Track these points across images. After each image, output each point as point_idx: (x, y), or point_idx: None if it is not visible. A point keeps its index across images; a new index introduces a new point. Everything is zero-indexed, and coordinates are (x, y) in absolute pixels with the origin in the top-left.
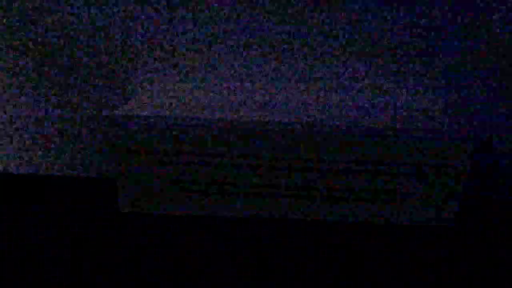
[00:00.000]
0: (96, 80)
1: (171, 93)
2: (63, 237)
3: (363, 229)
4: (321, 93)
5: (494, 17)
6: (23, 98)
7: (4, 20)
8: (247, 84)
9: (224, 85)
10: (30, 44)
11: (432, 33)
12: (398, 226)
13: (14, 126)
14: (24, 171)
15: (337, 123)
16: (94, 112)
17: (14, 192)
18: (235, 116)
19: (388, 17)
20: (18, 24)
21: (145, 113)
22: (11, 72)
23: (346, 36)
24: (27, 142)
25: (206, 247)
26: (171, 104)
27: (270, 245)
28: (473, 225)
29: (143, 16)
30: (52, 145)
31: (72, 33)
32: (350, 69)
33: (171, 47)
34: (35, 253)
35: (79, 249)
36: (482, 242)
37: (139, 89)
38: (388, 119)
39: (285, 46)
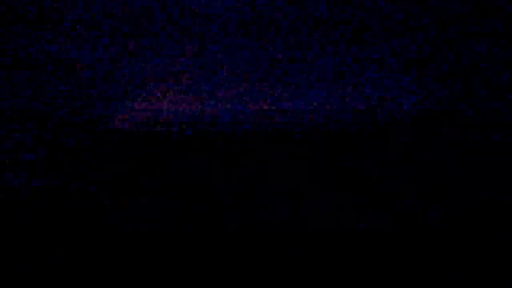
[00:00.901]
0: (82, 90)
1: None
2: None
3: (357, 234)
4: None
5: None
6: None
7: None
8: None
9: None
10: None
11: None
12: (392, 229)
13: None
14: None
15: (322, 125)
16: (78, 124)
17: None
18: (223, 126)
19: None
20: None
21: (130, 126)
22: None
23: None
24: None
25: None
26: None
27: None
28: (471, 225)
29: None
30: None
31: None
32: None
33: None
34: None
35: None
36: (481, 243)
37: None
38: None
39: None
